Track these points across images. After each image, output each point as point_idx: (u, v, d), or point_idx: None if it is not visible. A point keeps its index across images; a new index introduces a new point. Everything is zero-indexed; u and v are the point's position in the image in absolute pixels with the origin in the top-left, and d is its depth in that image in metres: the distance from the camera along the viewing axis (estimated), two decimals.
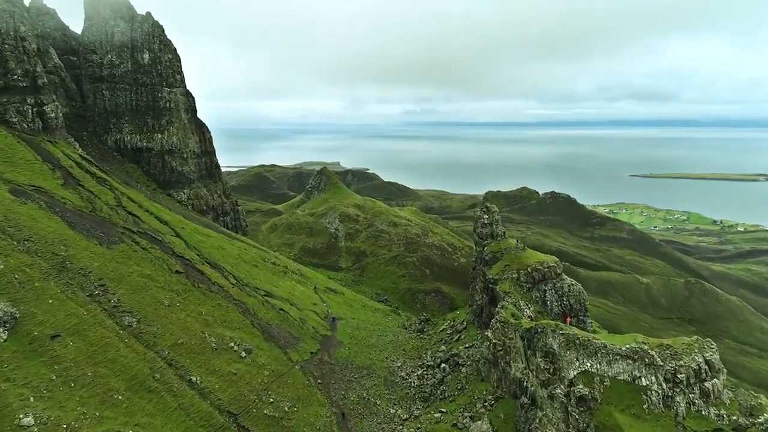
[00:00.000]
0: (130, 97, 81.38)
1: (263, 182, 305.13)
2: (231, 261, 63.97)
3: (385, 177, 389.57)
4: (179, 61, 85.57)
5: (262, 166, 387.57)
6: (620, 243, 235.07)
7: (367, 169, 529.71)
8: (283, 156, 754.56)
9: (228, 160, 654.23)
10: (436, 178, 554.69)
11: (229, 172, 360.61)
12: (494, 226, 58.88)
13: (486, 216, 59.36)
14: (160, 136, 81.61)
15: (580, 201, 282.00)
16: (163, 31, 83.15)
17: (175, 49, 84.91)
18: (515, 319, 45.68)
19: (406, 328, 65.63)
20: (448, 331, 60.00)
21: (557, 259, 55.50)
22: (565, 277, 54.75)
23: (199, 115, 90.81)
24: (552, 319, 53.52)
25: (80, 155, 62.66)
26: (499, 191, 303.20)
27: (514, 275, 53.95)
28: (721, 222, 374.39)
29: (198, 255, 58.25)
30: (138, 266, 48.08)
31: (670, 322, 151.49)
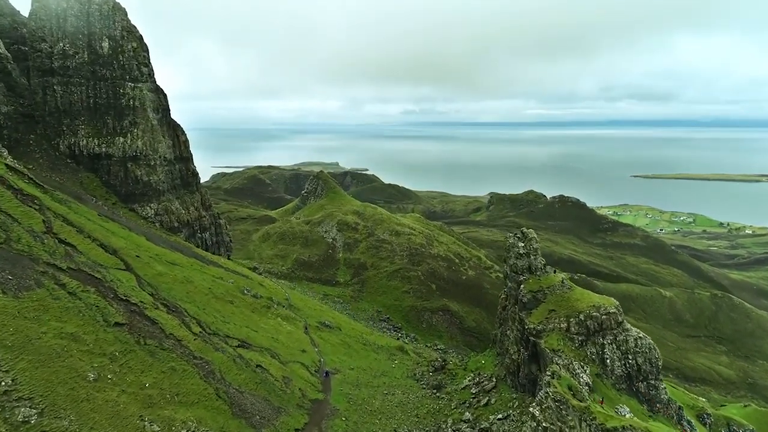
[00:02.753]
0: (87, 94, 68.18)
1: (258, 185, 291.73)
2: (198, 298, 50.94)
3: (385, 178, 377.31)
4: (146, 51, 72.25)
5: (258, 167, 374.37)
6: (634, 250, 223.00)
7: (366, 170, 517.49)
8: (281, 156, 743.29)
9: (225, 161, 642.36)
10: (437, 179, 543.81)
11: (224, 174, 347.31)
12: (532, 257, 45.94)
13: (522, 244, 46.35)
14: (122, 139, 68.41)
15: (583, 202, 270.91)
16: (126, 14, 69.84)
17: (141, 37, 71.55)
18: (576, 397, 32.75)
19: (417, 380, 52.67)
20: (473, 390, 47.09)
21: (617, 303, 42.64)
22: (628, 326, 41.91)
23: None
24: (613, 384, 40.74)
25: (6, 165, 49.52)
26: (504, 195, 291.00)
27: (562, 324, 41.10)
28: (728, 224, 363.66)
29: (152, 295, 45.16)
30: (57, 321, 34.90)
31: (698, 341, 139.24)
